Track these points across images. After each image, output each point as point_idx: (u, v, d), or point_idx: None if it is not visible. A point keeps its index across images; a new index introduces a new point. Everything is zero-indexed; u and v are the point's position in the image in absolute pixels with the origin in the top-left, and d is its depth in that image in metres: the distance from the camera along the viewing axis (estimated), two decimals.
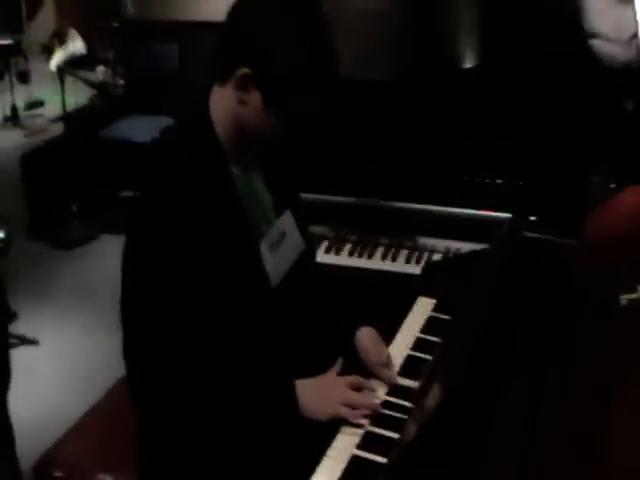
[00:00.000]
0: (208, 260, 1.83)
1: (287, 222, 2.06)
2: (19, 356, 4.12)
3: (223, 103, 1.83)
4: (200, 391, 1.85)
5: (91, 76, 5.80)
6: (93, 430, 2.63)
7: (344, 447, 1.80)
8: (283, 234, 2.03)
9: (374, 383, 2.01)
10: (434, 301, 2.31)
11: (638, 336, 1.81)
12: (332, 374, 1.99)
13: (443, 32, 3.24)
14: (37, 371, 3.99)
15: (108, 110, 5.34)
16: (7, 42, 5.69)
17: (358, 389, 1.94)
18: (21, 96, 5.68)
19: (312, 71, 1.76)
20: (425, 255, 2.72)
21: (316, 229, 2.75)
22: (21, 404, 3.65)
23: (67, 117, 5.20)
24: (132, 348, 1.87)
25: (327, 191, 2.78)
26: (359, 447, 1.79)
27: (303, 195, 2.24)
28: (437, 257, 2.71)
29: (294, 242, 2.08)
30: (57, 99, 4.99)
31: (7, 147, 5.26)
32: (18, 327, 4.36)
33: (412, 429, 1.74)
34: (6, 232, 4.77)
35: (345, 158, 2.88)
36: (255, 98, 1.77)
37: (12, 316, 4.41)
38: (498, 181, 2.69)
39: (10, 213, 5.05)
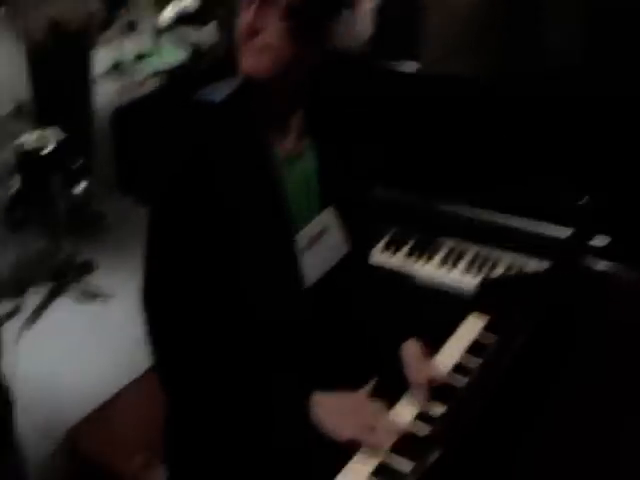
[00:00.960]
0: (233, 234, 1.77)
1: (329, 219, 1.92)
2: (89, 311, 4.12)
3: None
4: (210, 378, 1.80)
5: (196, 34, 5.76)
6: (132, 403, 2.58)
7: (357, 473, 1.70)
8: (322, 231, 1.89)
9: (405, 403, 1.88)
10: (486, 320, 2.14)
11: None
12: (362, 395, 1.86)
13: (532, 33, 3.03)
14: (104, 329, 3.96)
15: (208, 71, 5.30)
16: None
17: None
18: (128, 48, 5.71)
19: None
20: (487, 267, 2.54)
21: (377, 225, 2.61)
22: (77, 359, 3.64)
23: (164, 74, 5.19)
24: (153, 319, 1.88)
25: (395, 186, 2.62)
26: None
27: None
28: (499, 271, 2.52)
29: (335, 242, 1.93)
30: (164, 52, 4.99)
31: (105, 99, 5.27)
32: (95, 280, 4.34)
33: None
34: (89, 183, 4.80)
35: (420, 154, 2.72)
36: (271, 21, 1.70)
37: (90, 268, 4.42)
38: (580, 199, 2.46)
39: (100, 165, 5.06)
